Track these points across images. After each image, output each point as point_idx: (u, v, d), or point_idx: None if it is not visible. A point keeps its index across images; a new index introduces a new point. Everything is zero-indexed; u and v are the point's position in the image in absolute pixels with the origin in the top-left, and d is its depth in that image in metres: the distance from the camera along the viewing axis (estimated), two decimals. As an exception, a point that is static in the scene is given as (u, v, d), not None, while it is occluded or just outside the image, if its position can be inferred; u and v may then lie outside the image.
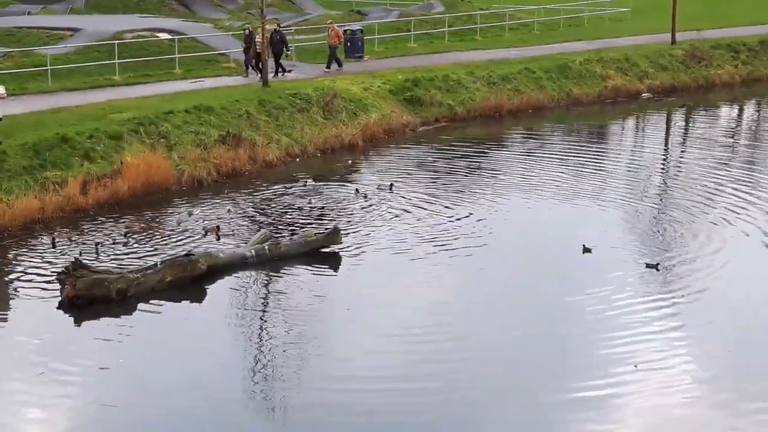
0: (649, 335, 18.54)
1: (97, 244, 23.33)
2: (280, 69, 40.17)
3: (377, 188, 28.60)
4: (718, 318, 19.56)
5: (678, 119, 42.70)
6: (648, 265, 22.30)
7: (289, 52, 40.86)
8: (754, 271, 22.23)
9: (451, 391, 15.91)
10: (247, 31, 39.68)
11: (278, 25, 41.58)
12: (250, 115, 32.95)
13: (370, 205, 27.39)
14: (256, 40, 38.42)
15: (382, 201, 27.74)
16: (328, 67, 42.05)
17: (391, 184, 28.84)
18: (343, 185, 29.85)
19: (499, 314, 19.79)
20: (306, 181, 29.67)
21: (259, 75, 37.59)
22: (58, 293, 19.70)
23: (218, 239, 23.67)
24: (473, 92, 40.87)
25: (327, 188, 28.95)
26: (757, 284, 21.37)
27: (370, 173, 31.66)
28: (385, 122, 36.75)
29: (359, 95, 37.73)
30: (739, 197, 28.29)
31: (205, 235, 23.95)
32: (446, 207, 27.18)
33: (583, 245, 23.36)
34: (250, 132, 31.90)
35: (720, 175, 31.19)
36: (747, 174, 31.46)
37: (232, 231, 24.64)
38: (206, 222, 25.31)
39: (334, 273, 22.59)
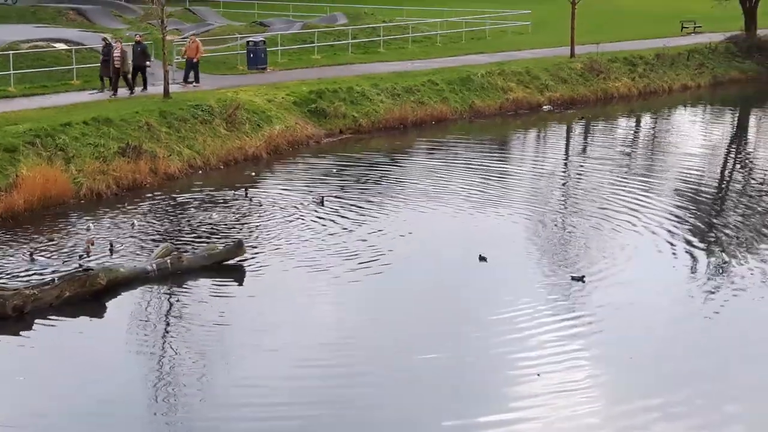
0: (551, 345, 18.56)
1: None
2: (137, 84, 38.56)
3: (313, 201, 28.19)
4: (620, 325, 19.70)
5: (577, 131, 42.86)
6: (573, 278, 22.19)
7: (149, 65, 39.23)
8: (654, 277, 22.45)
9: (349, 414, 15.57)
10: (104, 42, 38.52)
11: (140, 36, 40.40)
12: (151, 127, 32.29)
13: (275, 217, 27.02)
14: (114, 54, 37.00)
15: (290, 213, 27.47)
16: (185, 80, 40.51)
17: (323, 198, 28.38)
18: (246, 197, 29.42)
19: (402, 330, 19.61)
20: (246, 190, 29.33)
21: (113, 92, 37.01)
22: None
23: (88, 255, 22.76)
24: (377, 104, 40.75)
25: (232, 200, 28.50)
26: (656, 290, 21.58)
27: (276, 185, 31.20)
28: (290, 134, 36.42)
29: (263, 107, 37.33)
30: (637, 206, 28.68)
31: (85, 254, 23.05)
32: (352, 219, 26.97)
33: (480, 255, 23.37)
34: (150, 144, 31.26)
35: (618, 185, 31.60)
36: (644, 183, 31.90)
37: (134, 245, 23.95)
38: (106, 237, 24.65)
39: (238, 286, 22.20)
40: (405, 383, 17.11)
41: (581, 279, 22.12)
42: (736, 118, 47.00)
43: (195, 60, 40.06)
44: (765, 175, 34.37)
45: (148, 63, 38.53)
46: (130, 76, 37.79)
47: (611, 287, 21.84)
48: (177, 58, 42.43)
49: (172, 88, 37.14)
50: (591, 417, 15.63)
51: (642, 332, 19.44)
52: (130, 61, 37.68)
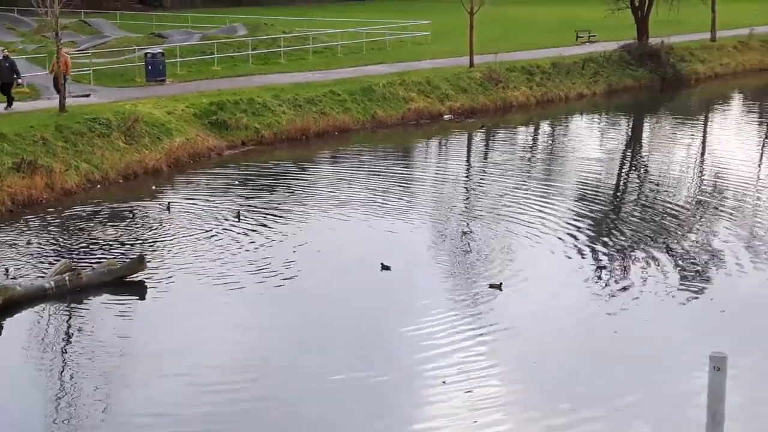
0: (458, 352, 18.63)
1: None
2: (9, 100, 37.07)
3: (234, 216, 27.83)
4: (522, 331, 19.81)
5: (478, 139, 43.28)
6: (491, 285, 22.11)
7: (20, 81, 37.89)
8: (557, 281, 22.77)
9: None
10: None
11: (5, 50, 38.65)
12: (47, 142, 31.65)
13: (178, 230, 26.67)
14: None
15: (190, 226, 27.14)
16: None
17: (239, 213, 28.05)
18: (149, 210, 28.99)
19: (309, 347, 19.39)
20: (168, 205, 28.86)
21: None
22: None
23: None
24: (279, 115, 40.54)
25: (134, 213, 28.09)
26: (560, 296, 21.84)
27: (179, 198, 30.62)
28: (190, 146, 36.00)
29: (162, 119, 36.77)
30: (540, 211, 29.04)
31: None
32: (255, 231, 26.80)
33: (381, 263, 23.33)
34: (46, 159, 30.58)
35: (521, 190, 32.01)
36: (545, 189, 32.40)
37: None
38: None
39: (140, 303, 21.78)
40: (315, 403, 16.88)
41: (499, 286, 21.95)
42: (630, 125, 47.82)
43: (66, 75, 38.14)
44: (659, 177, 35.22)
45: (18, 79, 37.12)
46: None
47: (516, 293, 21.95)
48: (73, 71, 41.45)
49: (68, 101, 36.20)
50: (497, 424, 15.58)
51: (551, 335, 19.58)
52: None
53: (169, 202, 29.21)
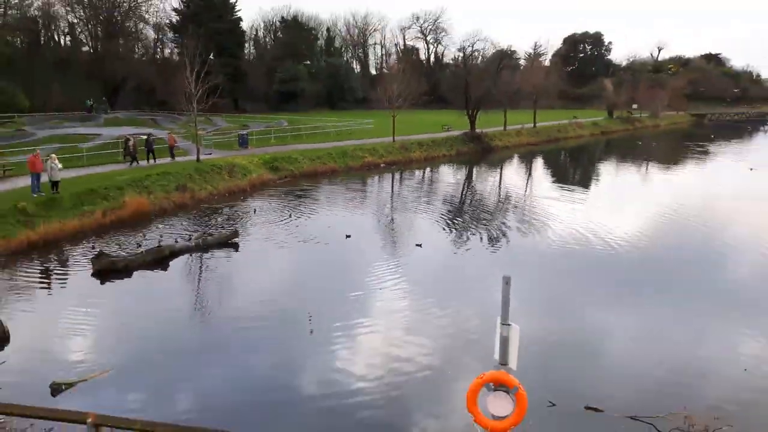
0: (391, 279, 18.08)
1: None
2: (146, 159, 33.65)
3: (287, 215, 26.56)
4: (429, 268, 19.55)
5: (398, 176, 42.83)
6: (417, 245, 21.19)
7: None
8: (445, 241, 22.33)
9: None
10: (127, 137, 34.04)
11: (151, 134, 36.31)
12: (191, 175, 31.11)
13: (256, 219, 26.08)
14: (129, 143, 33.72)
15: (261, 217, 26.53)
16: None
17: (291, 213, 26.47)
18: (241, 209, 28.43)
19: (313, 275, 18.97)
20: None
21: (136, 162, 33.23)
22: None
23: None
24: (303, 163, 39.76)
25: None
26: (444, 249, 21.39)
27: (255, 203, 30.12)
28: (260, 178, 35.19)
29: (246, 165, 35.99)
30: (429, 209, 28.65)
31: None
32: (295, 218, 26.07)
33: (346, 234, 22.15)
34: (191, 183, 30.14)
35: (419, 198, 31.53)
36: (429, 197, 32.08)
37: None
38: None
39: (235, 253, 20.88)
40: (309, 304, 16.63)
41: (420, 245, 21.25)
42: (468, 169, 47.86)
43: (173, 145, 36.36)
44: (481, 193, 35.29)
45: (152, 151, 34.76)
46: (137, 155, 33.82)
47: (428, 249, 21.68)
48: (204, 141, 40.94)
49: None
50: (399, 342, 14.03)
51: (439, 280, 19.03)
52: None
53: (254, 208, 28.01)
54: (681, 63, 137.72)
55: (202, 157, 36.37)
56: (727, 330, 14.45)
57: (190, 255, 20.51)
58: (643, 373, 12.10)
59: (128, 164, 33.49)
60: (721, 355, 13.05)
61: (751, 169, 44.75)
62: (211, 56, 67.22)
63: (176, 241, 21.37)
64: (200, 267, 19.61)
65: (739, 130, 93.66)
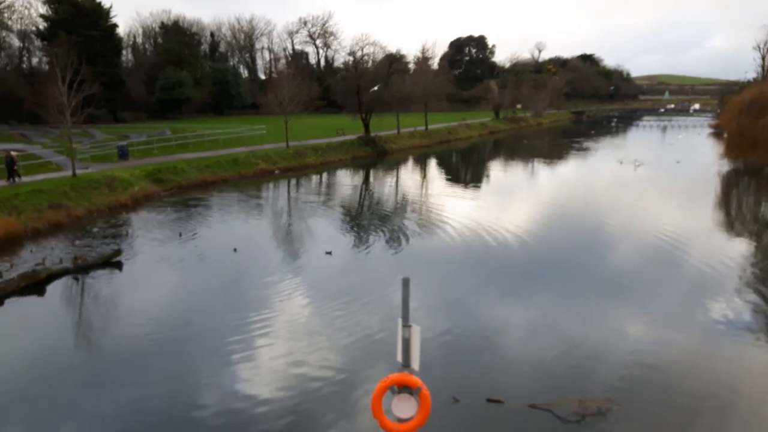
0: (302, 278, 17.92)
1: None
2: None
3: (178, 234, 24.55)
4: (335, 270, 19.41)
5: (294, 182, 42.44)
6: (326, 252, 20.88)
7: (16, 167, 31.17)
8: (352, 245, 22.19)
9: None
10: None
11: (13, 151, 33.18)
12: (67, 192, 29.02)
13: (137, 232, 24.78)
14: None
15: (145, 230, 25.28)
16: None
17: (180, 233, 24.28)
18: (122, 225, 26.86)
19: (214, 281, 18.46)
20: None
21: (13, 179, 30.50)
22: None
23: None
24: (190, 173, 38.45)
25: None
26: (351, 251, 21.34)
27: (139, 218, 28.71)
28: (143, 191, 33.40)
29: (128, 178, 34.07)
30: (329, 213, 28.54)
31: None
32: (182, 228, 25.00)
33: (233, 249, 21.36)
34: (66, 201, 28.03)
35: (315, 203, 31.38)
36: (327, 201, 31.97)
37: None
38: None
39: (118, 272, 19.67)
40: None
41: (330, 252, 21.01)
42: (364, 172, 48.17)
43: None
44: (379, 194, 35.62)
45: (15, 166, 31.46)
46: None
47: (338, 255, 21.55)
48: (79, 155, 38.37)
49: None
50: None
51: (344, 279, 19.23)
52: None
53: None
54: (559, 63, 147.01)
55: (78, 171, 33.96)
56: (613, 314, 15.38)
57: (70, 277, 19.15)
58: (540, 361, 12.58)
59: (10, 181, 31.18)
60: (609, 338, 13.82)
61: (631, 165, 48.15)
62: (85, 65, 63.05)
63: (51, 264, 19.91)
64: (81, 290, 18.34)
65: (614, 126, 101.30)
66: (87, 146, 47.11)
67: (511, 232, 24.19)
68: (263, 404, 11.18)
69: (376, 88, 56.85)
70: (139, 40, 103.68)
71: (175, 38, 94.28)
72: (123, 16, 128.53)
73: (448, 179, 43.66)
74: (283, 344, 13.75)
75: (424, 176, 46.18)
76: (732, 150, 44.21)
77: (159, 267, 20.23)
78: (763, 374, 12.15)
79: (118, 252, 21.00)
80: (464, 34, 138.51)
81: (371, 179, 45.29)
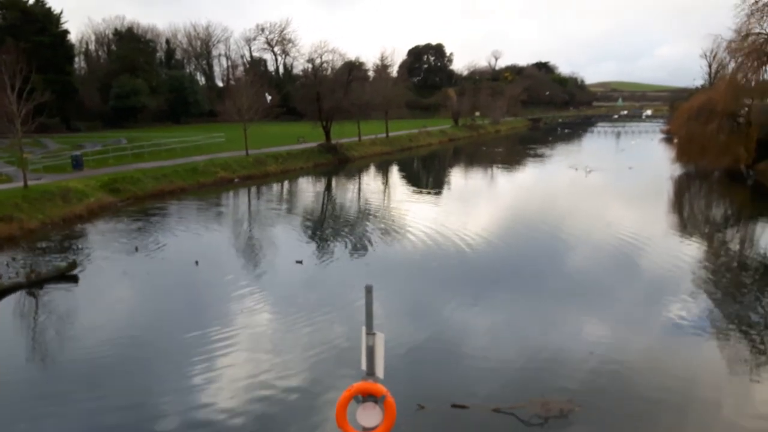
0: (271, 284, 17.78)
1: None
2: None
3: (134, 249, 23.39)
4: (302, 277, 19.28)
5: (254, 190, 41.94)
6: (297, 261, 20.61)
7: None
8: (321, 252, 22.13)
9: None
10: None
11: None
12: (18, 204, 27.98)
13: (95, 245, 24.08)
14: None
15: (102, 242, 24.65)
16: None
17: (136, 248, 23.35)
18: (77, 237, 26.15)
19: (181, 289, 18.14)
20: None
21: None
22: None
23: None
24: (147, 183, 37.59)
25: None
26: (321, 258, 21.24)
27: (95, 230, 27.92)
28: (99, 202, 32.44)
29: (83, 189, 33.06)
30: (291, 221, 28.39)
31: None
32: (141, 238, 24.53)
33: (195, 262, 20.62)
34: (18, 213, 27.03)
35: (279, 211, 31.16)
36: (290, 209, 31.84)
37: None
38: None
39: (75, 285, 19.12)
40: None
41: (301, 262, 20.62)
42: (326, 180, 48.05)
43: None
44: (342, 200, 35.75)
45: None
46: None
47: (311, 265, 21.31)
48: (31, 166, 37.13)
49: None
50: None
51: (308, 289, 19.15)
52: None
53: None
54: (516, 71, 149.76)
55: (30, 182, 32.77)
56: (574, 316, 15.73)
57: (23, 292, 18.51)
58: (503, 365, 12.79)
59: None
60: (569, 340, 14.11)
61: (582, 172, 49.11)
62: (35, 72, 61.23)
63: (4, 278, 19.16)
64: (35, 305, 17.73)
65: (569, 133, 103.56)
66: (39, 156, 45.58)
67: (473, 237, 24.48)
68: (226, 417, 11.03)
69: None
70: (92, 46, 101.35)
71: (129, 45, 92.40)
72: (74, 22, 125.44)
73: (410, 186, 43.92)
74: (246, 357, 13.60)
75: (386, 183, 46.33)
76: (683, 155, 45.75)
77: (116, 280, 19.71)
78: (714, 374, 12.56)
79: (74, 265, 20.39)
80: (422, 42, 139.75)
81: (334, 187, 45.10)
